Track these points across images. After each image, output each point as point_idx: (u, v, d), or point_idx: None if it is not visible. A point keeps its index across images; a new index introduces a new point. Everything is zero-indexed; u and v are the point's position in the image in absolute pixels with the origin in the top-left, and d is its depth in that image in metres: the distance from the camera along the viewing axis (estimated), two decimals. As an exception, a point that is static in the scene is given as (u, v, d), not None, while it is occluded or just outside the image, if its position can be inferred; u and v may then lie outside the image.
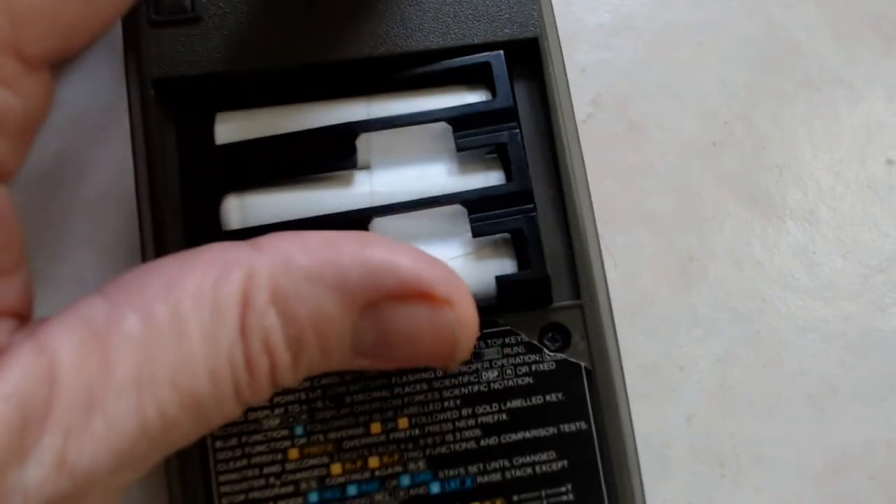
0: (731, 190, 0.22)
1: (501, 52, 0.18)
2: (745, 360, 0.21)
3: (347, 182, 0.18)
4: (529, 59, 0.18)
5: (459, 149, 0.18)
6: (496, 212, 0.17)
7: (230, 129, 0.18)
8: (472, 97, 0.18)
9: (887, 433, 0.21)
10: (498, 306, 0.17)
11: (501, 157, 0.18)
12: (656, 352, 0.21)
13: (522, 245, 0.17)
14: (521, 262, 0.17)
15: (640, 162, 0.22)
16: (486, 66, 0.18)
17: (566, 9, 0.23)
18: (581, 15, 0.23)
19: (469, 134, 0.18)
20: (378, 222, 0.17)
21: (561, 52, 0.19)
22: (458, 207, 0.17)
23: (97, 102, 0.20)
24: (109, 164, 0.20)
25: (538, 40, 0.18)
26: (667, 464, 0.20)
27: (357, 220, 0.17)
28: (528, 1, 0.18)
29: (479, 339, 0.17)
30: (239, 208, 0.17)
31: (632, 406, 0.17)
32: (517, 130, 0.18)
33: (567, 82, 0.18)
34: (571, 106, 0.18)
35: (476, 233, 0.17)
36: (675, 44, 0.23)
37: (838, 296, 0.22)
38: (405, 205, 0.17)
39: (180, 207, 0.17)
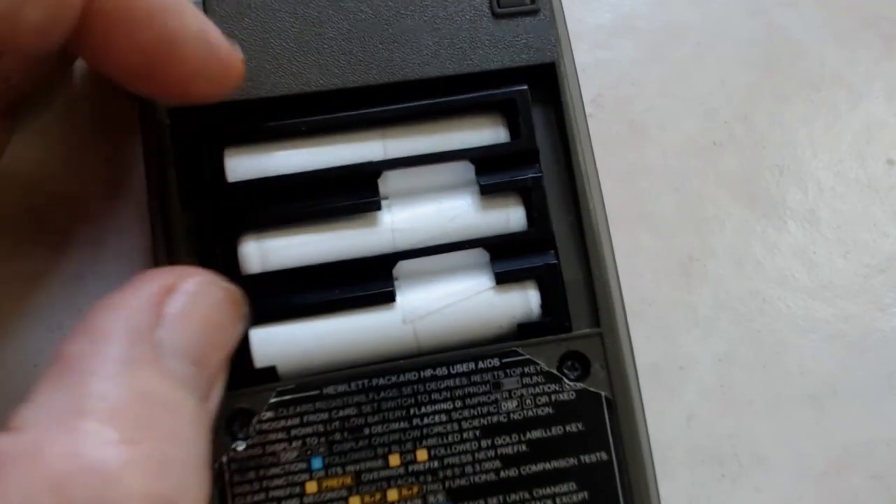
0: (731, 190, 0.22)
1: (526, 87, 0.18)
2: (745, 360, 0.21)
3: (367, 220, 0.18)
4: (546, 83, 0.18)
5: (483, 192, 0.18)
6: (518, 257, 0.18)
7: (240, 165, 0.18)
8: (489, 132, 0.18)
9: (887, 433, 0.21)
10: (518, 336, 0.17)
11: (524, 198, 0.18)
12: (656, 352, 0.21)
13: (544, 290, 0.18)
14: (544, 306, 0.18)
15: (640, 162, 0.22)
16: (510, 103, 0.18)
17: (566, 9, 0.23)
18: (581, 15, 0.23)
19: (491, 174, 0.18)
20: (403, 262, 0.17)
21: (577, 76, 0.18)
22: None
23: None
24: (114, 166, 0.20)
25: (555, 65, 0.18)
26: (667, 464, 0.20)
27: (383, 264, 0.17)
28: (545, 26, 0.18)
29: (498, 368, 0.17)
30: (258, 251, 0.17)
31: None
32: (540, 174, 0.18)
33: (583, 106, 0.18)
34: (588, 130, 0.18)
35: (499, 279, 0.17)
36: (675, 44, 0.23)
37: (838, 296, 0.22)
38: (428, 249, 0.17)
39: (195, 245, 0.17)
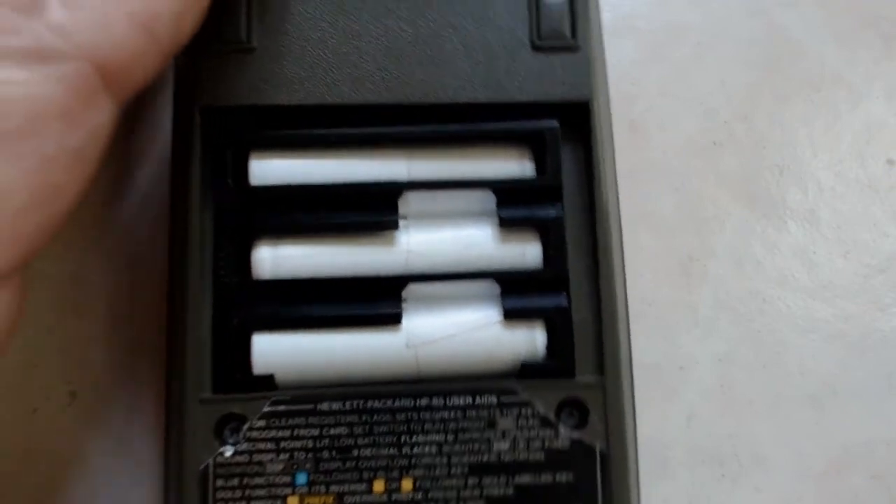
0: (731, 190, 0.22)
1: (556, 123, 0.18)
2: (745, 360, 0.21)
3: (384, 238, 0.18)
4: (578, 120, 0.18)
5: (502, 224, 0.18)
6: (529, 295, 0.17)
7: (265, 169, 0.17)
8: (515, 164, 0.18)
9: (887, 433, 0.21)
10: (520, 375, 0.17)
11: (542, 235, 0.18)
12: (656, 352, 0.21)
13: (552, 332, 0.17)
14: (549, 348, 0.17)
15: (640, 162, 0.22)
16: (539, 137, 0.18)
17: (566, 9, 0.23)
18: (581, 15, 0.23)
19: (512, 207, 0.18)
20: (413, 285, 0.17)
21: (610, 116, 0.18)
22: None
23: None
24: (114, 169, 0.20)
25: (589, 104, 0.18)
26: (667, 464, 0.20)
27: (393, 284, 0.17)
28: (583, 63, 0.18)
29: (495, 406, 0.17)
30: (272, 258, 0.17)
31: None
32: (562, 214, 0.18)
33: (613, 147, 0.18)
34: (615, 173, 0.18)
35: (507, 315, 0.17)
36: (675, 44, 0.23)
37: (838, 296, 0.22)
38: (441, 275, 0.17)
39: (211, 244, 0.17)
